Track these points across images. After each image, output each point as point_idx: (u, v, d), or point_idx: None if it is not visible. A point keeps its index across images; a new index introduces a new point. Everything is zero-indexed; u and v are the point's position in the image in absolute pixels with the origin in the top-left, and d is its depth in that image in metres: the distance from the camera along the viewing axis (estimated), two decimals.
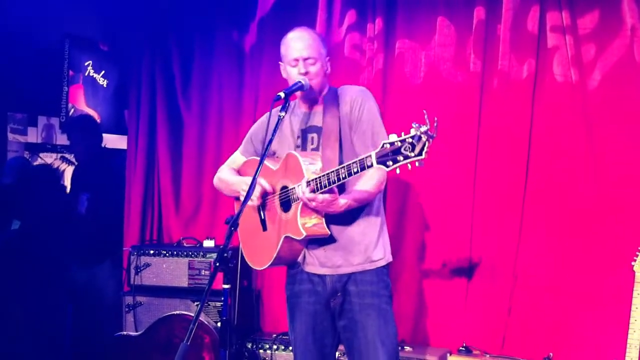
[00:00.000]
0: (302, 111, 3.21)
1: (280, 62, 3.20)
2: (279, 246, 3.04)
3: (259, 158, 3.11)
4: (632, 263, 3.51)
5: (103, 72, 6.34)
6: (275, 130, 2.95)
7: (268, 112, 3.18)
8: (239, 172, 3.40)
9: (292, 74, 3.10)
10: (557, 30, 4.07)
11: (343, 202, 2.88)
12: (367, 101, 3.11)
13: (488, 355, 4.07)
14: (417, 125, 2.44)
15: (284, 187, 3.02)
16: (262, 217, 3.17)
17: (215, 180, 3.45)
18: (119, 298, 4.81)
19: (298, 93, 3.11)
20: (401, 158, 2.47)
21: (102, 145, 5.45)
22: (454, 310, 4.33)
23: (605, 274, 3.95)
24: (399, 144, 2.47)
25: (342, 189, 2.94)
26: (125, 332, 4.58)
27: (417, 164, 2.46)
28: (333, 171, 2.74)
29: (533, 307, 4.15)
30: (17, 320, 4.97)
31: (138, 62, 5.25)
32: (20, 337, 4.95)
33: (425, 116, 2.45)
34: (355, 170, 2.65)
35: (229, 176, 3.35)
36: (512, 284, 4.18)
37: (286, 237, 3.01)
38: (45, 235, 5.12)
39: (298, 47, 3.08)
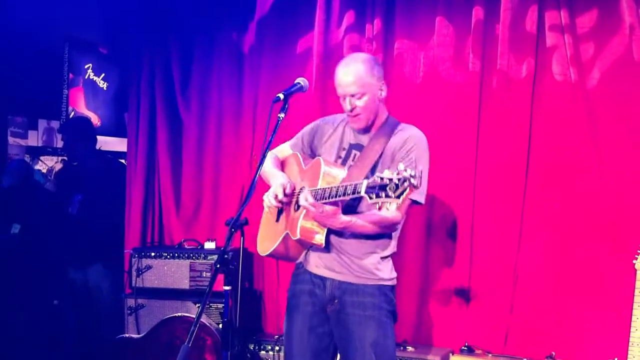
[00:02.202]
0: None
1: None
2: (279, 240, 3.09)
3: (299, 155, 3.26)
4: (634, 261, 3.51)
5: (103, 74, 6.35)
6: (274, 132, 2.96)
7: (330, 116, 3.33)
8: (283, 162, 3.40)
9: (343, 106, 3.10)
10: (555, 29, 4.07)
11: (343, 219, 2.89)
12: (421, 147, 3.10)
13: (490, 355, 4.08)
14: (404, 168, 2.46)
15: (302, 188, 3.05)
16: (280, 209, 3.20)
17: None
18: (120, 300, 4.82)
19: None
20: (382, 195, 2.49)
21: (97, 147, 5.43)
22: (455, 310, 4.33)
23: (607, 272, 3.95)
24: (388, 181, 2.48)
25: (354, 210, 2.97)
26: (127, 334, 4.59)
27: (395, 205, 2.49)
28: (330, 187, 2.78)
29: (535, 305, 4.15)
30: (18, 322, 4.98)
31: (137, 64, 5.25)
32: (21, 339, 4.95)
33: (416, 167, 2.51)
34: (348, 192, 2.68)
35: (269, 166, 3.31)
36: (514, 283, 4.18)
37: (287, 234, 3.04)
38: (43, 237, 5.13)
39: (343, 83, 3.05)
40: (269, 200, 3.07)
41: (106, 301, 5.18)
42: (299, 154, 3.26)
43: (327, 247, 3.04)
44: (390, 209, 2.55)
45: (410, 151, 3.05)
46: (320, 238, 2.97)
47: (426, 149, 3.12)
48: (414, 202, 3.03)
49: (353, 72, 3.04)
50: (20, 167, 5.52)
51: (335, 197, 2.75)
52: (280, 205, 3.09)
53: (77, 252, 5.20)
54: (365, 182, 2.56)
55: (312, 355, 3.16)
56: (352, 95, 3.03)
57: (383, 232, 3.07)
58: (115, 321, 4.90)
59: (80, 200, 5.16)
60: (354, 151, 3.15)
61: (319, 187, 2.87)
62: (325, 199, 2.80)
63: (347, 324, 3.07)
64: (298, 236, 2.94)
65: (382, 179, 2.50)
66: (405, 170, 2.45)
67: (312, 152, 3.32)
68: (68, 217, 5.16)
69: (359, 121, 3.09)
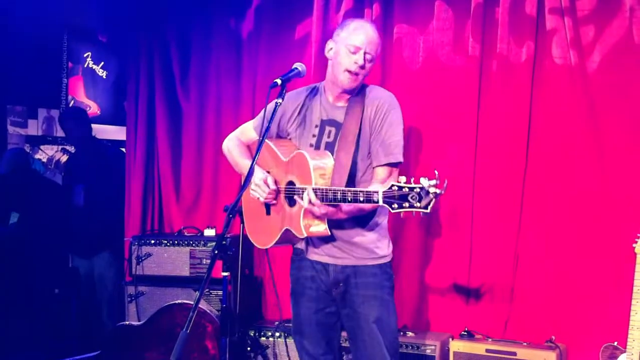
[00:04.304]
0: (326, 100, 3.16)
1: (330, 40, 3.12)
2: (279, 235, 3.08)
3: (269, 142, 3.16)
4: (634, 245, 3.50)
5: (102, 63, 6.34)
6: (272, 118, 2.95)
7: (293, 91, 3.25)
8: (250, 147, 3.37)
9: (344, 58, 3.02)
10: (555, 12, 4.04)
11: (345, 209, 2.89)
12: (393, 110, 3.09)
13: (490, 340, 4.07)
14: (426, 179, 2.45)
15: (291, 182, 3.02)
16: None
17: (225, 150, 3.40)
18: (121, 288, 4.83)
19: (343, 79, 3.05)
20: (406, 205, 2.48)
21: (99, 137, 5.43)
22: (455, 295, 4.33)
23: (606, 257, 3.94)
24: (407, 190, 2.47)
25: None
26: (127, 322, 4.60)
27: (421, 214, 2.47)
28: (340, 190, 2.73)
29: (535, 290, 4.15)
30: (20, 311, 4.99)
31: (136, 52, 5.24)
32: (23, 328, 4.97)
33: (436, 174, 2.46)
34: (362, 199, 2.65)
35: (239, 157, 3.30)
36: (514, 267, 4.18)
37: (287, 229, 3.03)
38: (42, 226, 5.14)
39: (365, 38, 3.01)
40: (262, 197, 3.07)
41: (110, 289, 5.20)
42: (268, 142, 3.16)
43: (332, 235, 3.03)
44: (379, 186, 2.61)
45: (384, 118, 3.06)
46: (324, 228, 2.96)
47: (398, 109, 3.12)
48: (397, 163, 3.05)
49: (376, 36, 3.06)
50: (16, 156, 5.52)
51: (343, 201, 2.73)
52: (272, 200, 3.08)
53: (83, 242, 5.23)
54: (380, 192, 2.54)
55: (321, 334, 3.22)
56: (366, 53, 3.01)
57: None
58: (118, 309, 4.93)
59: (84, 189, 5.18)
60: (327, 127, 3.11)
61: (314, 184, 2.84)
62: (333, 200, 2.76)
63: (352, 304, 3.12)
64: (305, 235, 2.94)
65: (399, 188, 2.49)
66: (428, 181, 2.44)
67: (280, 131, 3.26)
68: (73, 208, 5.17)
69: (356, 81, 3.05)
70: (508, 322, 4.19)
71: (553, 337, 3.96)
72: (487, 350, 3.96)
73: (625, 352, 3.48)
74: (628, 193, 3.90)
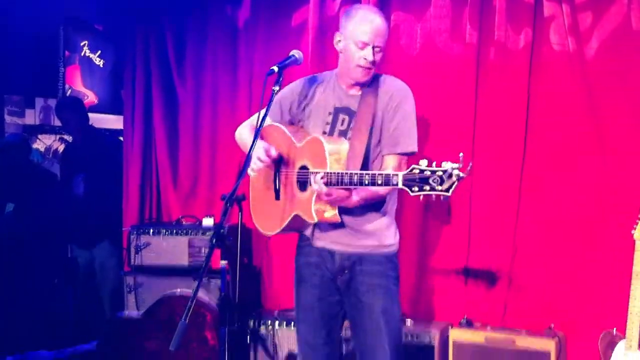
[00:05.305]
0: (340, 87, 3.13)
1: (337, 33, 3.08)
2: (287, 221, 3.05)
3: (281, 126, 3.12)
4: (632, 231, 3.50)
5: (99, 52, 6.31)
6: (269, 105, 2.93)
7: (306, 77, 3.24)
8: (262, 132, 3.34)
9: (354, 53, 2.99)
10: None
11: (356, 198, 2.89)
12: (406, 100, 3.07)
13: (489, 328, 4.07)
14: (449, 162, 2.43)
15: (303, 167, 3.00)
16: (277, 187, 3.14)
17: (237, 136, 3.38)
18: (120, 278, 4.82)
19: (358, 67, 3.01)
20: (427, 188, 2.45)
21: (90, 124, 5.40)
22: (454, 284, 4.33)
23: (605, 243, 3.94)
24: (429, 173, 2.45)
25: None
26: (126, 312, 4.59)
27: (441, 198, 2.46)
28: (357, 173, 2.71)
29: (534, 278, 4.15)
30: (19, 302, 4.99)
31: (132, 41, 5.21)
32: (22, 317, 4.97)
33: (461, 157, 2.44)
34: (380, 182, 2.62)
35: (247, 136, 3.24)
36: (512, 256, 4.18)
37: (296, 215, 3.01)
38: (41, 217, 5.12)
39: (371, 32, 2.96)
40: (257, 164, 3.00)
41: (112, 279, 5.20)
42: (281, 126, 3.14)
43: (341, 222, 3.01)
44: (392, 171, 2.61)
45: (397, 107, 3.04)
46: (335, 214, 2.94)
47: (412, 100, 3.10)
48: (406, 153, 3.04)
49: (381, 25, 3.00)
50: (16, 139, 5.50)
51: (360, 184, 2.70)
52: (267, 163, 3.01)
53: (83, 232, 5.22)
54: (401, 175, 2.52)
55: (323, 323, 3.20)
56: (375, 47, 2.98)
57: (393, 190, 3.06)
58: (117, 299, 4.92)
59: (84, 178, 5.16)
60: (341, 115, 3.10)
61: (329, 168, 2.82)
62: (348, 184, 2.74)
63: (357, 292, 3.10)
64: (316, 220, 2.92)
65: (421, 171, 2.47)
66: (451, 164, 2.43)
67: (292, 118, 3.23)
68: (73, 198, 5.16)
69: (369, 74, 3.03)
70: (507, 310, 4.20)
71: (552, 325, 3.97)
72: (487, 339, 3.96)
73: (624, 338, 3.49)
74: (627, 179, 3.90)
